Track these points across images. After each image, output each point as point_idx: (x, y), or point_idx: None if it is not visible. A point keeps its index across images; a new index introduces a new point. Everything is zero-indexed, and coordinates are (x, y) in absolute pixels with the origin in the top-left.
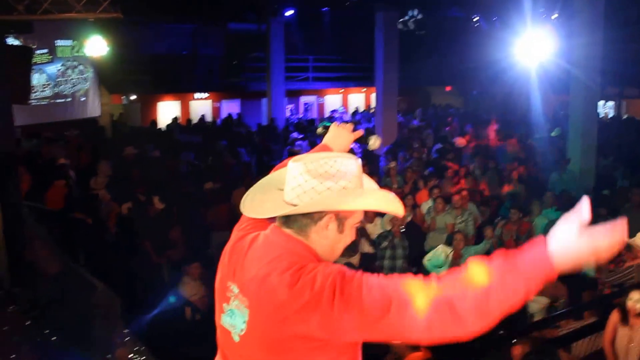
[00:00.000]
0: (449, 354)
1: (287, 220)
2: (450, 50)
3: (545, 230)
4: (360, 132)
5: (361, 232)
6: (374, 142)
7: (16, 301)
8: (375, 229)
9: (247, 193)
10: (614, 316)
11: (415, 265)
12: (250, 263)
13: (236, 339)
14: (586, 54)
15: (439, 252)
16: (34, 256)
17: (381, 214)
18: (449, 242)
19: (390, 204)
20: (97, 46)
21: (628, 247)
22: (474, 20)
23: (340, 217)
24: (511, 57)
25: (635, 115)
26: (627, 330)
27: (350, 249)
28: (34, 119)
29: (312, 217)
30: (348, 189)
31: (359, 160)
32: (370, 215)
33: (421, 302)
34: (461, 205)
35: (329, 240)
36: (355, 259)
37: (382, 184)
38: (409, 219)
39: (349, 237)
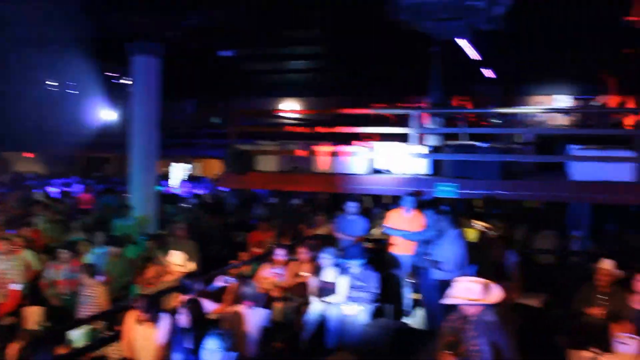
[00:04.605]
0: None
1: None
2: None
3: (94, 262)
4: None
5: None
6: None
7: None
8: None
9: None
10: (129, 318)
11: None
12: None
13: None
14: (143, 112)
15: None
16: None
17: None
18: None
19: None
20: None
21: (163, 264)
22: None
23: None
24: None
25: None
26: (142, 330)
27: None
28: None
29: None
30: None
31: None
32: None
33: None
34: (10, 252)
35: None
36: None
37: None
38: None
39: None
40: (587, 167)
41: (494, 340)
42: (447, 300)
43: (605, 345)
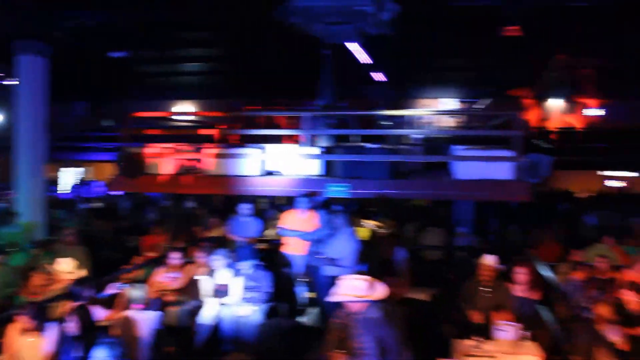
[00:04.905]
0: None
1: None
2: None
3: None
4: None
5: None
6: None
7: None
8: None
9: None
10: (12, 329)
11: None
12: None
13: None
14: (30, 114)
15: None
16: None
17: None
18: None
19: None
20: None
21: (50, 272)
22: None
23: None
24: None
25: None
26: (28, 340)
27: None
28: None
29: None
30: None
31: None
32: None
33: None
34: None
35: None
36: None
37: None
38: None
39: None
40: (470, 167)
41: (380, 336)
42: (333, 298)
43: (487, 334)
